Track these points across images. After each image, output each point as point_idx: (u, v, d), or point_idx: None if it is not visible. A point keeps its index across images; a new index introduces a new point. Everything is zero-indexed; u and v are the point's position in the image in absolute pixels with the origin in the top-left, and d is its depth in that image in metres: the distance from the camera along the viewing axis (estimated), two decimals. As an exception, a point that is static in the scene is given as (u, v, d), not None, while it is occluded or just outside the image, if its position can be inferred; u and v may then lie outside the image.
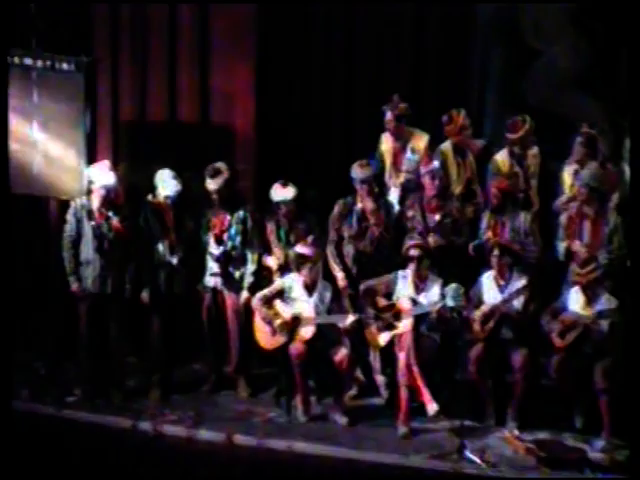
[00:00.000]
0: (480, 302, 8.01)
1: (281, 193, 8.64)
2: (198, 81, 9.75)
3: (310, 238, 8.48)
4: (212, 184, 8.61)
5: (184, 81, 9.76)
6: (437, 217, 8.56)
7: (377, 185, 8.73)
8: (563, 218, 8.37)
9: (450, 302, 7.72)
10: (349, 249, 8.64)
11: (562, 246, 8.30)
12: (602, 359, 7.60)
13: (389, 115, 8.97)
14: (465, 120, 8.86)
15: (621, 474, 7.02)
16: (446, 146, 8.96)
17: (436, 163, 8.66)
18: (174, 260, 8.59)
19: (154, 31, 9.73)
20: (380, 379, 8.37)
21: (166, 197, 8.56)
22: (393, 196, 8.89)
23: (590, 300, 7.75)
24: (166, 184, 8.56)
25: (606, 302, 7.73)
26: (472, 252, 8.40)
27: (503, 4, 10.16)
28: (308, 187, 8.91)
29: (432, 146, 8.97)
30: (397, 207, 8.79)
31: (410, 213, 8.63)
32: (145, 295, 8.54)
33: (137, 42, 9.76)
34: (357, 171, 8.60)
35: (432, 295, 8.04)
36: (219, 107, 9.80)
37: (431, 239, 8.37)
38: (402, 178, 8.91)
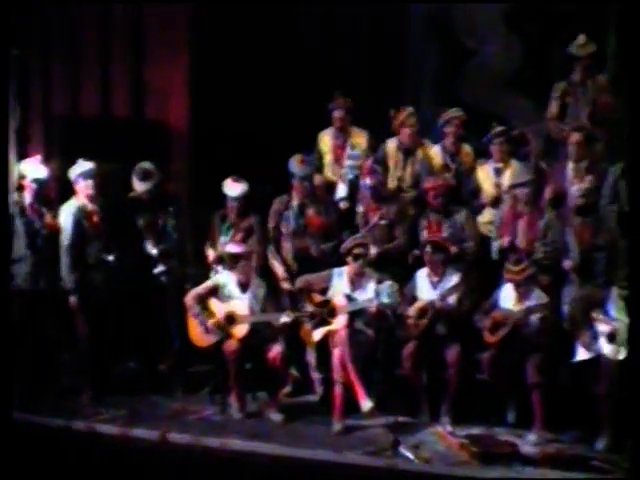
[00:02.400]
0: (414, 299, 8.06)
1: (231, 188, 8.63)
2: (132, 76, 9.68)
3: (240, 235, 8.46)
4: (142, 186, 8.56)
5: (118, 76, 9.69)
6: (375, 218, 8.60)
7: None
8: (496, 216, 8.45)
9: (385, 299, 7.77)
10: (288, 246, 8.64)
11: (495, 245, 8.40)
12: (533, 354, 7.68)
13: (338, 112, 9.01)
14: (407, 118, 8.91)
15: (551, 468, 7.10)
16: (391, 142, 9.02)
17: (374, 165, 8.70)
18: (110, 258, 8.51)
19: (88, 25, 9.63)
20: (315, 376, 8.39)
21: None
22: (341, 192, 8.92)
23: (522, 296, 7.84)
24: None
25: (537, 298, 7.83)
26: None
27: (437, 4, 10.25)
28: (260, 183, 8.91)
29: (371, 143, 9.02)
30: (346, 203, 8.87)
31: (359, 209, 8.67)
32: (73, 299, 8.42)
33: (71, 36, 9.65)
34: (296, 167, 8.61)
35: (367, 292, 8.06)
36: (153, 103, 9.75)
37: (370, 240, 8.41)
38: (349, 174, 8.95)
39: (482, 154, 8.87)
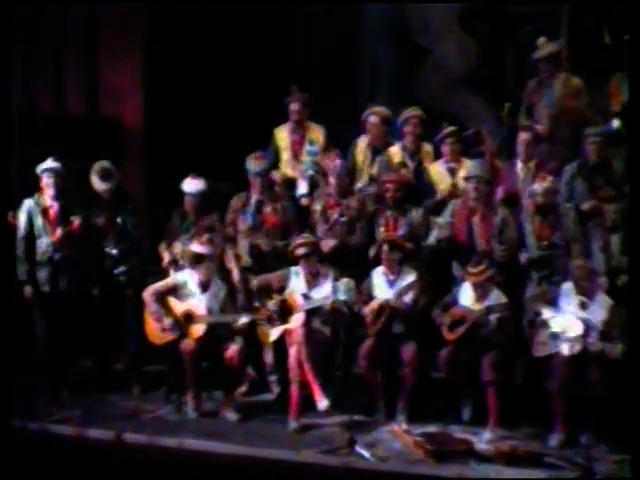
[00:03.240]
0: (371, 297, 8.08)
1: (189, 185, 8.61)
2: (86, 75, 9.61)
3: (206, 236, 8.44)
4: (102, 185, 8.52)
5: (72, 75, 9.62)
6: (335, 215, 8.61)
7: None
8: (446, 211, 8.49)
9: (341, 297, 7.77)
10: (244, 243, 8.63)
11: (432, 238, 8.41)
12: (489, 352, 7.74)
13: (295, 105, 9.02)
14: (373, 120, 8.95)
15: (506, 464, 7.13)
16: (361, 140, 9.05)
17: (338, 161, 8.71)
18: (56, 257, 8.45)
19: (42, 24, 9.56)
20: (271, 375, 8.39)
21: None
22: (302, 189, 8.93)
23: (480, 296, 7.89)
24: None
25: (495, 298, 7.88)
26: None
27: (391, 3, 10.30)
28: (220, 180, 8.89)
29: (328, 139, 9.06)
30: (307, 200, 8.88)
31: (316, 207, 8.68)
32: (28, 290, 8.38)
33: (25, 35, 9.56)
34: (251, 164, 8.60)
35: (324, 290, 8.07)
36: (108, 102, 9.69)
37: (327, 237, 8.43)
38: (308, 170, 8.97)
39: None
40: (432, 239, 8.36)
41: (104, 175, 8.53)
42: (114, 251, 8.58)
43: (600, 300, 7.66)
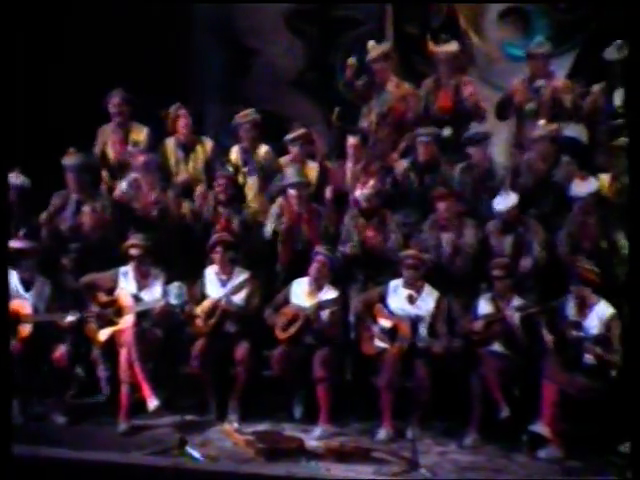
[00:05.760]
0: (203, 297, 8.09)
1: (12, 182, 8.42)
2: None
3: (23, 231, 8.25)
4: None
5: None
6: (155, 212, 8.57)
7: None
8: (273, 210, 8.55)
9: (173, 300, 7.72)
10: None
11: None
12: (321, 348, 7.83)
13: (116, 105, 8.95)
14: (178, 112, 8.94)
15: (336, 461, 7.24)
16: (168, 140, 9.02)
17: (153, 156, 8.65)
18: None
19: None
20: (101, 375, 8.26)
21: None
22: (122, 186, 8.80)
23: (313, 291, 7.99)
24: None
25: (327, 293, 7.99)
26: None
27: (220, 3, 10.31)
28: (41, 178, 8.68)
29: (152, 139, 8.99)
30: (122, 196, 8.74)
31: (134, 204, 8.61)
32: None
33: None
34: (66, 159, 8.55)
35: (154, 292, 8.04)
36: None
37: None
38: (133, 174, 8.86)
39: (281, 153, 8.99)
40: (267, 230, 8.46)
41: None
42: None
43: (427, 292, 7.88)
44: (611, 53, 8.77)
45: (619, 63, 8.64)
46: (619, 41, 8.71)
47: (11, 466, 6.94)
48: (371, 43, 9.15)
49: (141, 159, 8.62)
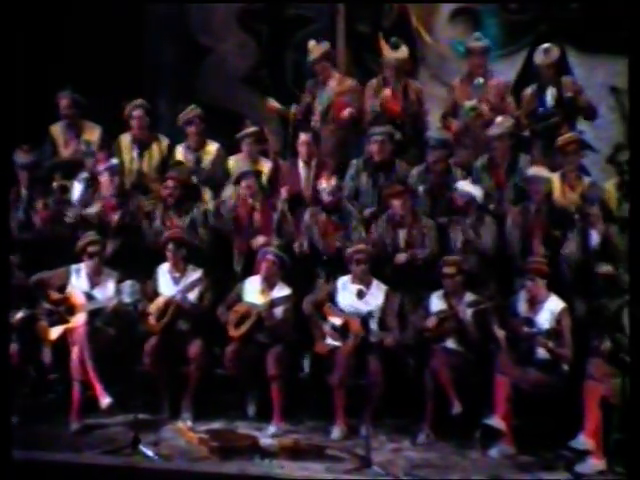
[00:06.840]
0: (156, 295, 8.06)
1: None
2: None
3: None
4: None
5: None
6: (116, 216, 8.50)
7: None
8: (224, 206, 8.59)
9: (126, 298, 7.68)
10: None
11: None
12: (274, 346, 7.84)
13: (65, 101, 8.87)
14: (134, 110, 8.89)
15: (289, 459, 7.25)
16: (124, 137, 8.96)
17: (114, 160, 8.61)
18: None
19: None
20: (54, 374, 8.18)
21: None
22: (77, 190, 8.74)
23: (266, 288, 7.99)
24: None
25: (280, 290, 8.00)
26: None
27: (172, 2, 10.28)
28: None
29: (105, 139, 8.94)
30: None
31: (94, 209, 8.54)
32: None
33: None
34: (17, 156, 8.50)
35: (107, 290, 8.01)
36: None
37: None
38: (83, 173, 8.77)
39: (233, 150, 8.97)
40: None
41: None
42: None
43: (376, 286, 7.91)
44: (539, 57, 8.93)
45: (546, 67, 8.81)
46: (546, 45, 8.88)
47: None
48: (312, 43, 9.16)
49: (102, 166, 8.56)
